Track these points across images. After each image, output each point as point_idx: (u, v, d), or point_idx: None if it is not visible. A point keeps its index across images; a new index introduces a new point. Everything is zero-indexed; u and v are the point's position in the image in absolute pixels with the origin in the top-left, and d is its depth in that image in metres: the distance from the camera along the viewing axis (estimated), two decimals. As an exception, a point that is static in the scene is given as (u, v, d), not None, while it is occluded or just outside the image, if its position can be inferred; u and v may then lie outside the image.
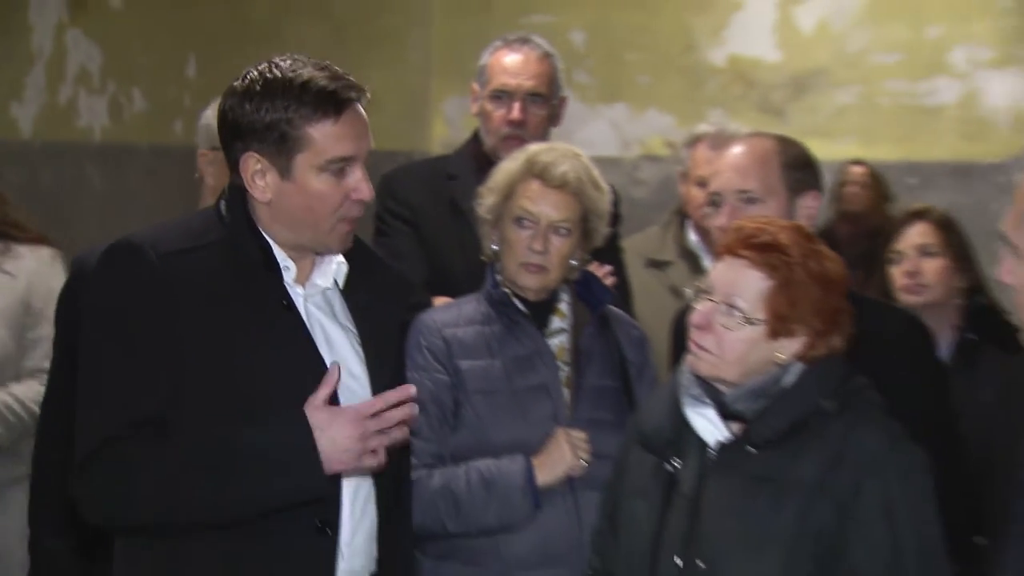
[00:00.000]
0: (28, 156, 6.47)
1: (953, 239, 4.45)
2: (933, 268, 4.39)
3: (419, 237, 4.09)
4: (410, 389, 2.70)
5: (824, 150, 7.18)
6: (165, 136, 7.25)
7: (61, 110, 6.80)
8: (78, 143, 6.88)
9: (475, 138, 4.28)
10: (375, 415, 2.63)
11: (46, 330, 3.83)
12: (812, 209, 3.35)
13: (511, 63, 4.16)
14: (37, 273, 3.92)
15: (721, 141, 4.59)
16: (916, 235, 4.44)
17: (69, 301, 3.54)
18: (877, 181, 6.85)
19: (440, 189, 4.15)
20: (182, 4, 7.33)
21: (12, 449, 3.79)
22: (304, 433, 2.60)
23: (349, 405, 2.70)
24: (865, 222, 6.66)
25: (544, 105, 4.17)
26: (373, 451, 2.63)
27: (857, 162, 6.91)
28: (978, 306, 4.43)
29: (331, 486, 2.70)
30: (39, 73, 6.68)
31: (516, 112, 4.10)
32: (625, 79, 7.85)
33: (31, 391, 3.81)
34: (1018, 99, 7.63)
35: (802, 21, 7.79)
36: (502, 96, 4.14)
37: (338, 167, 2.74)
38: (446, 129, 8.36)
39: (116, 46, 7.03)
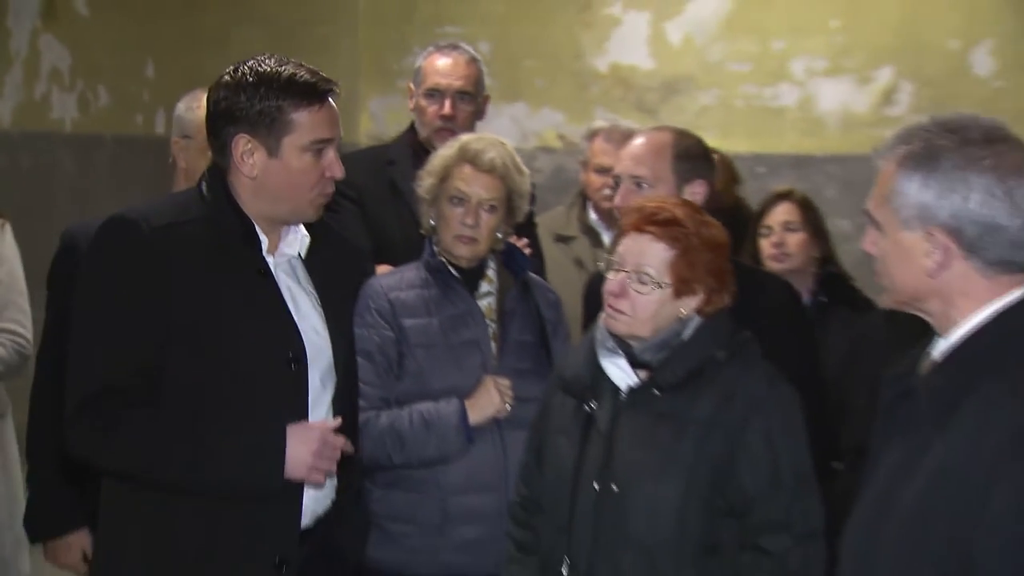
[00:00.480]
0: (9, 144, 6.35)
1: (811, 217, 4.51)
2: (795, 241, 4.44)
3: (363, 214, 4.01)
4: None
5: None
6: (127, 127, 7.17)
7: (36, 104, 6.68)
8: (52, 133, 6.78)
9: (411, 129, 4.21)
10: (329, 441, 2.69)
11: None
12: (699, 195, 3.34)
13: (443, 66, 4.11)
14: None
15: (614, 135, 4.63)
16: (781, 213, 4.49)
17: (62, 267, 3.46)
18: (727, 166, 6.85)
19: (381, 173, 4.08)
20: (141, 14, 7.22)
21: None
22: (279, 438, 2.62)
23: (316, 423, 2.72)
24: (718, 200, 6.68)
25: (471, 102, 4.12)
26: (319, 471, 2.66)
27: (712, 151, 6.94)
28: (829, 273, 4.50)
29: (283, 487, 2.68)
30: (17, 72, 6.54)
31: (447, 108, 4.05)
32: (524, 82, 7.88)
33: None
34: (846, 102, 7.75)
35: (671, 36, 7.85)
36: (435, 94, 4.08)
37: (318, 148, 2.73)
38: (371, 123, 8.34)
39: (84, 49, 6.93)
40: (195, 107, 3.56)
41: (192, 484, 2.65)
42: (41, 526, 3.49)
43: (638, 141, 3.39)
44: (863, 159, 6.51)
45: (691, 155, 3.37)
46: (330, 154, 2.76)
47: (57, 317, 3.43)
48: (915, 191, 2.16)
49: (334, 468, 2.73)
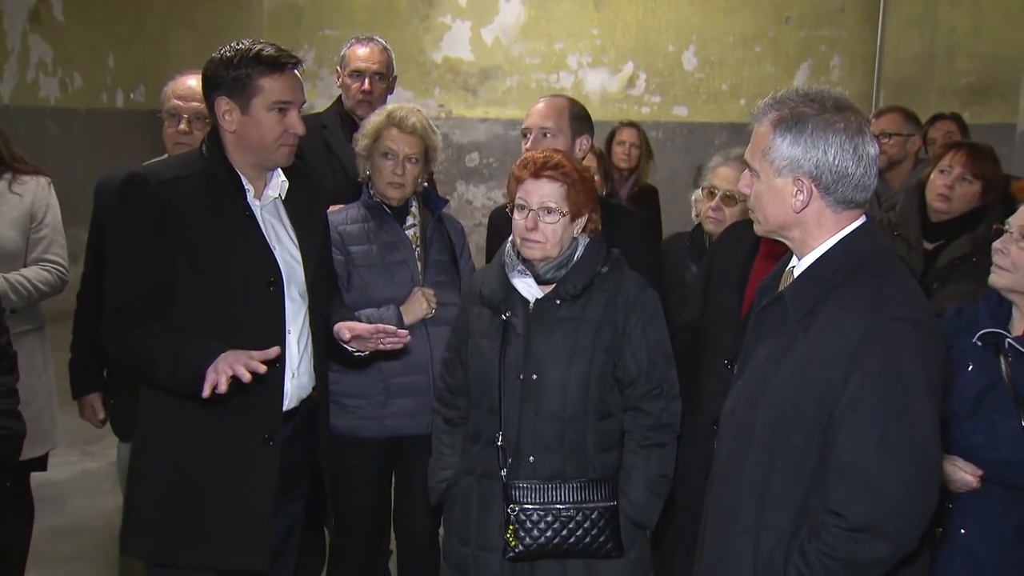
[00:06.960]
0: (8, 116, 5.87)
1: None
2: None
3: (304, 165, 3.48)
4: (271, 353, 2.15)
5: (499, 114, 6.93)
6: (95, 103, 6.64)
7: (28, 86, 6.20)
8: (40, 108, 6.38)
9: (339, 101, 3.65)
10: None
11: (43, 232, 3.20)
12: (585, 145, 2.98)
13: (363, 53, 3.57)
14: (37, 193, 3.19)
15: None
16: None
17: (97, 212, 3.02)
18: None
19: (316, 134, 3.48)
20: (103, 20, 6.74)
21: (23, 312, 3.14)
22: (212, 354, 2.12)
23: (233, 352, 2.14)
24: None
25: (384, 81, 3.59)
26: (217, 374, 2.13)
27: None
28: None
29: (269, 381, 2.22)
30: (12, 63, 6.04)
31: (366, 85, 3.54)
32: (384, 70, 7.45)
33: (33, 273, 3.14)
34: (604, 85, 7.61)
35: (485, 37, 7.55)
36: (357, 74, 3.55)
37: (280, 107, 2.30)
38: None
39: (62, 46, 6.45)
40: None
41: (163, 384, 2.25)
42: (73, 389, 3.18)
43: (542, 103, 2.98)
44: (615, 124, 6.29)
45: (580, 116, 2.97)
46: (293, 113, 2.31)
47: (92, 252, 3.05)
48: (787, 147, 1.86)
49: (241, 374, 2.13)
